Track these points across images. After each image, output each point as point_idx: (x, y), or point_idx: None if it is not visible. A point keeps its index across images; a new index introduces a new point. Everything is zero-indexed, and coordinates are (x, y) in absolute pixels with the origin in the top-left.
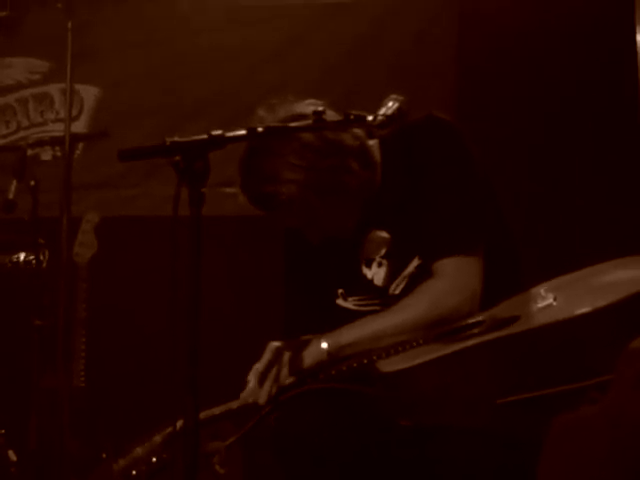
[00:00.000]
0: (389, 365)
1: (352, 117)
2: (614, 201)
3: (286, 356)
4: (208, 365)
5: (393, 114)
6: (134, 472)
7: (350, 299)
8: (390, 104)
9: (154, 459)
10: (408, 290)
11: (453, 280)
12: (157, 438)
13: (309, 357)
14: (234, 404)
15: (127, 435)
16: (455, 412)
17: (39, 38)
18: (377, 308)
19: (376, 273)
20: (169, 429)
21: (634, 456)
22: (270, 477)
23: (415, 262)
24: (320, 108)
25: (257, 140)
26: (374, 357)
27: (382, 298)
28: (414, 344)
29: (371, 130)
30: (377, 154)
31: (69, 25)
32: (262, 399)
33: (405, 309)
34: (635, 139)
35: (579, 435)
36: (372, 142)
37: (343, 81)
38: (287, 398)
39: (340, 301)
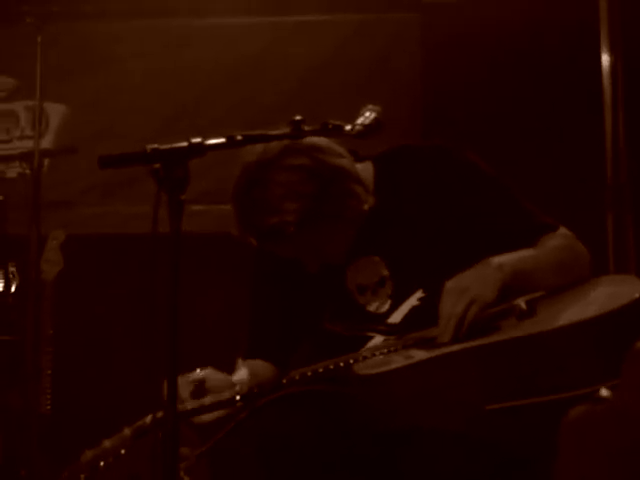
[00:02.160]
0: (367, 368)
1: (330, 126)
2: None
3: (467, 292)
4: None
5: (370, 124)
6: (102, 463)
7: (339, 324)
8: (367, 114)
9: (123, 451)
10: (410, 320)
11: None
12: (127, 431)
13: (491, 286)
14: (207, 400)
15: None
16: (438, 416)
17: (7, 55)
18: (372, 334)
19: (370, 300)
20: (139, 422)
21: None
22: None
23: (418, 294)
24: (298, 117)
25: (253, 170)
26: (350, 360)
27: (379, 325)
28: (392, 349)
29: (350, 139)
30: (370, 179)
31: (39, 39)
32: (447, 338)
33: (548, 250)
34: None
35: (589, 432)
36: (362, 166)
37: (310, 99)
38: (263, 404)
39: (328, 325)
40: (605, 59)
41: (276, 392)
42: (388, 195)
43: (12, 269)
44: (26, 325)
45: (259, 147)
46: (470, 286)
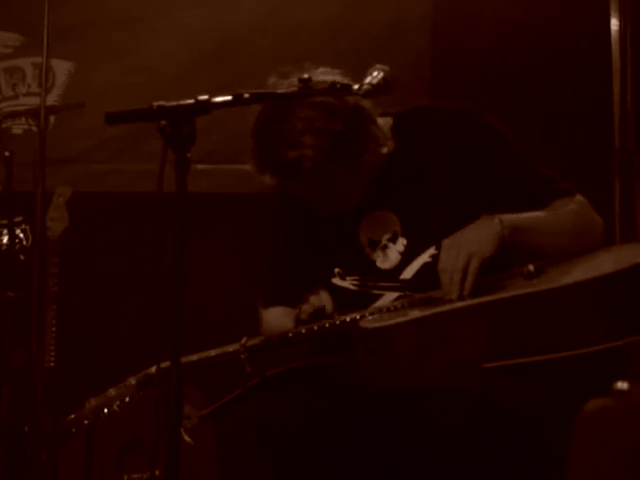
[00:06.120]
0: (372, 323)
1: (338, 86)
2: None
3: (465, 246)
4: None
5: (378, 83)
6: (106, 410)
7: (349, 279)
8: (375, 73)
9: (127, 399)
10: (420, 276)
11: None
12: (131, 380)
13: (488, 239)
14: (213, 352)
15: None
16: (438, 373)
17: (14, 11)
18: (382, 292)
19: (380, 255)
20: (144, 372)
21: None
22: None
23: (431, 251)
24: (306, 75)
25: (274, 106)
26: (357, 316)
27: (389, 281)
28: (399, 307)
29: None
30: (388, 134)
31: None
32: (455, 295)
33: (558, 213)
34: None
35: (605, 425)
36: (382, 120)
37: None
38: (272, 376)
39: (337, 280)
40: (614, 24)
41: (280, 343)
42: (406, 152)
43: (23, 226)
44: (31, 284)
45: (278, 82)
46: (467, 240)
